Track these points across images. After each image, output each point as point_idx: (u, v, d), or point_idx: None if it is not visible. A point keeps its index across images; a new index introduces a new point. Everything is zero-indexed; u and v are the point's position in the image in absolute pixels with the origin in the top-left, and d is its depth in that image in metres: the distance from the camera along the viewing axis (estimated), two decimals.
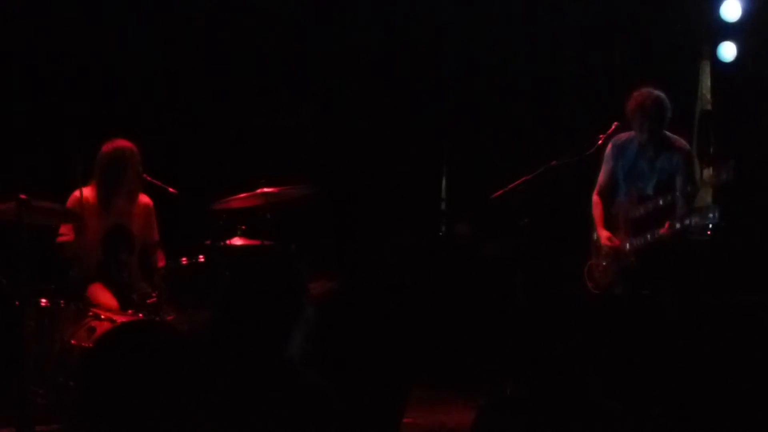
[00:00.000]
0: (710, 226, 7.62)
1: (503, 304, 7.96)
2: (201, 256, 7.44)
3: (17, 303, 6.77)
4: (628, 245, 7.38)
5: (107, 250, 7.46)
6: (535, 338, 3.95)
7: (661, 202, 7.30)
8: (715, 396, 7.13)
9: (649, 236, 7.26)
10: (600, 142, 7.52)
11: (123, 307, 7.29)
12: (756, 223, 8.87)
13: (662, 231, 7.21)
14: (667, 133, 7.46)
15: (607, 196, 7.63)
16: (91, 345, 6.78)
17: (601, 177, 7.69)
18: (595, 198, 7.71)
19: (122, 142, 7.68)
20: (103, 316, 7.01)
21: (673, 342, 7.21)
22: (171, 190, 7.68)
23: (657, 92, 7.39)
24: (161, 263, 7.65)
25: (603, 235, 7.55)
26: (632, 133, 7.50)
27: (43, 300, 7.15)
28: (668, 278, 7.38)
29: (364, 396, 6.34)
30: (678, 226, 7.16)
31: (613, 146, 7.60)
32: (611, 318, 7.33)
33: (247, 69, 9.72)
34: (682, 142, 7.47)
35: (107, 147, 7.67)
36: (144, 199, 7.86)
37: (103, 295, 7.39)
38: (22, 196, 6.72)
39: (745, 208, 8.90)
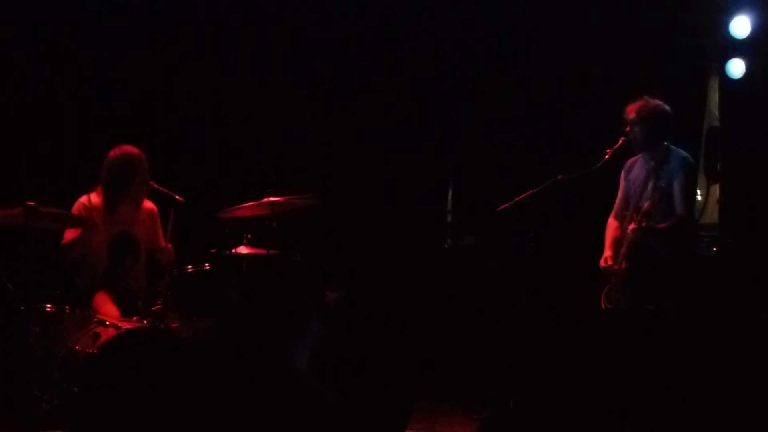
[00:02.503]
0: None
1: (507, 316, 7.96)
2: (206, 264, 7.45)
3: (22, 308, 6.78)
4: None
5: (113, 256, 7.47)
6: (537, 351, 3.96)
7: (646, 205, 7.36)
8: (717, 412, 7.12)
9: (625, 236, 7.43)
10: (607, 156, 7.53)
11: (127, 314, 7.30)
12: (763, 239, 8.86)
13: (630, 228, 7.37)
14: (672, 146, 7.50)
15: (621, 218, 7.65)
16: (95, 351, 6.79)
17: (616, 201, 7.74)
18: (609, 221, 7.74)
19: (130, 148, 7.67)
20: (108, 323, 7.02)
21: (676, 357, 7.21)
22: (177, 197, 7.68)
23: (651, 101, 7.46)
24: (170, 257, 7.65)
25: (603, 255, 7.58)
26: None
27: (48, 306, 7.15)
28: (672, 293, 7.39)
29: (366, 407, 6.34)
30: (643, 223, 7.25)
31: (624, 169, 7.68)
32: (616, 332, 7.34)
33: (255, 78, 9.73)
34: (683, 153, 7.50)
35: (115, 153, 7.67)
36: (148, 204, 7.86)
37: (105, 307, 7.38)
38: (30, 203, 6.73)
39: (752, 225, 8.90)
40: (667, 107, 7.49)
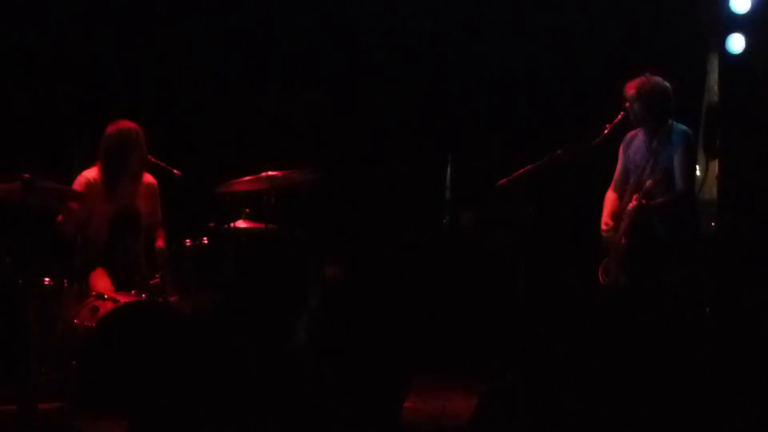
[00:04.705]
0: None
1: (506, 292, 7.96)
2: (205, 238, 7.46)
3: (21, 282, 6.78)
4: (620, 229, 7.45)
5: (115, 232, 7.48)
6: (536, 327, 3.96)
7: (648, 183, 7.36)
8: (714, 389, 7.13)
9: (625, 211, 7.42)
10: (606, 131, 7.52)
11: (126, 288, 7.30)
12: (762, 216, 8.86)
13: (630, 205, 7.36)
14: (674, 123, 7.49)
15: (621, 191, 7.65)
16: (93, 325, 6.80)
17: (615, 174, 7.73)
18: (608, 194, 7.73)
19: (127, 124, 7.65)
20: (106, 296, 7.02)
21: (673, 334, 7.22)
22: (176, 171, 7.67)
23: (651, 78, 7.46)
24: (161, 243, 7.65)
25: (602, 221, 7.59)
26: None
27: (47, 279, 7.16)
28: (671, 270, 7.39)
29: (364, 383, 6.35)
30: (643, 201, 7.26)
31: (623, 142, 7.68)
32: (614, 308, 7.35)
33: (254, 52, 9.70)
34: (683, 127, 7.50)
35: (112, 129, 7.64)
36: (148, 178, 7.84)
37: (101, 283, 7.38)
38: (26, 176, 6.73)
39: (751, 202, 8.90)
40: (666, 84, 7.49)
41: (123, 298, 7.01)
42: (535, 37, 9.70)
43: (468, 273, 9.69)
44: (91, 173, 7.66)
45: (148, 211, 7.78)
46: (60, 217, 7.55)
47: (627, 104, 7.50)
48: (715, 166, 9.30)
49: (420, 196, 10.28)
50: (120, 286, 7.36)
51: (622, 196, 7.57)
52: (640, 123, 7.51)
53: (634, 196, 7.39)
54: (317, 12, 9.89)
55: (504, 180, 7.51)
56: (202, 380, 3.50)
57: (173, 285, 7.27)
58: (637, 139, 7.61)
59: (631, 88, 7.48)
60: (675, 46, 9.04)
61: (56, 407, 6.85)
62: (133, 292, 7.21)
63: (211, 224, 7.65)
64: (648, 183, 7.33)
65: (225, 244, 7.46)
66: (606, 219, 7.58)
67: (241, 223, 7.80)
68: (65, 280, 7.22)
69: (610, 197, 7.70)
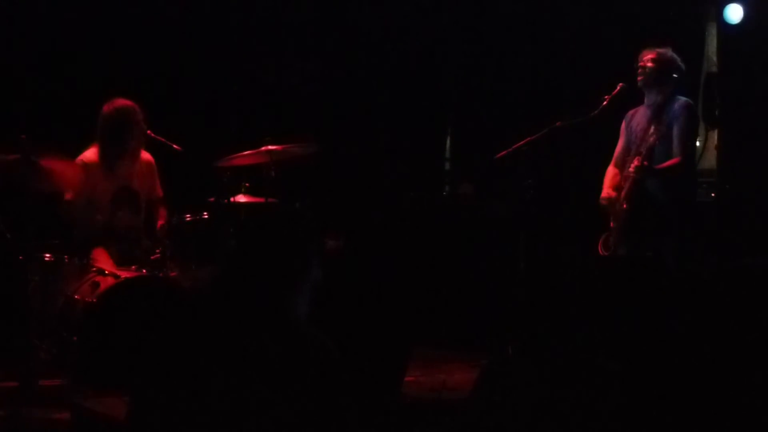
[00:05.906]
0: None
1: (506, 264, 7.97)
2: (205, 213, 7.45)
3: (21, 258, 6.78)
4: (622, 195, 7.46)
5: (115, 212, 7.48)
6: (536, 299, 3.96)
7: (652, 140, 7.37)
8: (713, 358, 7.14)
9: (625, 174, 7.44)
10: (605, 103, 7.53)
11: (126, 263, 7.30)
12: (761, 185, 8.87)
13: (631, 167, 7.37)
14: (677, 95, 7.50)
15: (622, 167, 7.65)
16: (94, 300, 6.80)
17: (617, 149, 7.73)
18: (609, 168, 7.73)
19: (123, 102, 7.55)
20: (107, 272, 7.03)
21: (673, 303, 7.23)
22: (175, 146, 7.65)
23: (659, 50, 7.46)
24: (162, 220, 7.64)
25: (603, 193, 7.59)
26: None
27: (48, 255, 7.16)
28: (671, 239, 7.40)
29: (365, 355, 6.35)
30: (645, 162, 7.26)
31: (625, 119, 7.69)
32: (613, 279, 7.36)
33: (253, 25, 9.68)
34: (685, 98, 7.51)
35: (108, 107, 7.54)
36: (146, 156, 7.80)
37: (102, 259, 7.37)
38: (23, 137, 6.65)
39: (751, 170, 8.90)
40: (665, 54, 7.51)
41: (123, 274, 7.01)
42: (534, 8, 9.69)
43: (468, 245, 9.69)
44: (87, 155, 7.58)
45: (148, 189, 7.76)
46: (67, 195, 7.50)
47: (641, 66, 7.48)
48: (714, 135, 9.31)
49: (419, 167, 10.28)
50: (120, 261, 7.35)
51: (624, 169, 7.57)
52: (649, 86, 7.50)
53: (636, 159, 7.38)
54: None
55: (503, 152, 7.52)
56: (203, 355, 3.51)
57: (174, 260, 7.28)
58: (638, 114, 7.62)
59: (651, 52, 7.48)
60: (674, 16, 9.04)
61: (56, 383, 6.86)
62: (133, 267, 7.22)
63: (211, 199, 7.64)
64: (651, 140, 7.33)
65: (225, 219, 7.45)
66: (608, 191, 7.58)
67: (241, 198, 7.80)
68: (66, 256, 7.22)
69: (611, 172, 7.70)
